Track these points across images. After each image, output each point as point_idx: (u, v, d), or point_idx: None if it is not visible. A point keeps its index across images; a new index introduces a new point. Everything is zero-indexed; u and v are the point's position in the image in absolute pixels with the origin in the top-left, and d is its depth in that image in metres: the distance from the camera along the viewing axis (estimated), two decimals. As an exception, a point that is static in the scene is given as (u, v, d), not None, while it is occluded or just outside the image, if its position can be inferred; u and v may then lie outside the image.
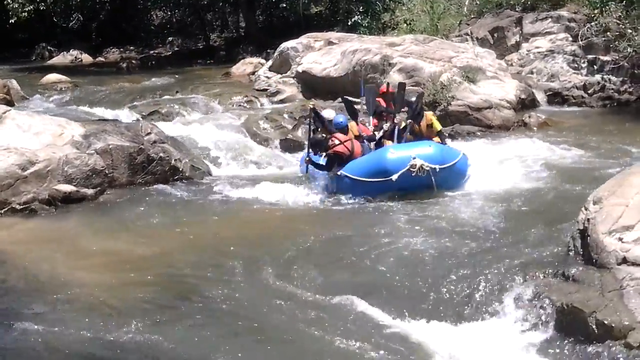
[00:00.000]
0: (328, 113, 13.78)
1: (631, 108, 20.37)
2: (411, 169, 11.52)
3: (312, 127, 13.45)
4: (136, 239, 10.69)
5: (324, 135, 12.66)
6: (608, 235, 7.96)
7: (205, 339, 7.27)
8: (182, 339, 7.23)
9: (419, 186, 11.66)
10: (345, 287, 8.57)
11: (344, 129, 12.94)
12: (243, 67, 25.88)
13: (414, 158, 11.58)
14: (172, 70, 26.00)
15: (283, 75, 22.15)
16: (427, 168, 11.51)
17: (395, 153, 11.95)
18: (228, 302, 8.19)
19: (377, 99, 14.54)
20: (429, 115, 13.41)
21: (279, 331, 7.56)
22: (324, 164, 12.68)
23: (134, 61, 34.12)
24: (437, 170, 11.60)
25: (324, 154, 12.71)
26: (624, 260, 7.75)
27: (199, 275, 9.14)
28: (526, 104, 20.16)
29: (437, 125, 13.28)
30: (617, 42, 21.30)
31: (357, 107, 15.06)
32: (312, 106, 13.96)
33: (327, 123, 13.04)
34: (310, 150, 12.98)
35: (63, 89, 23.95)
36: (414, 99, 14.54)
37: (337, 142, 12.36)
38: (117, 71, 30.78)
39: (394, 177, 11.57)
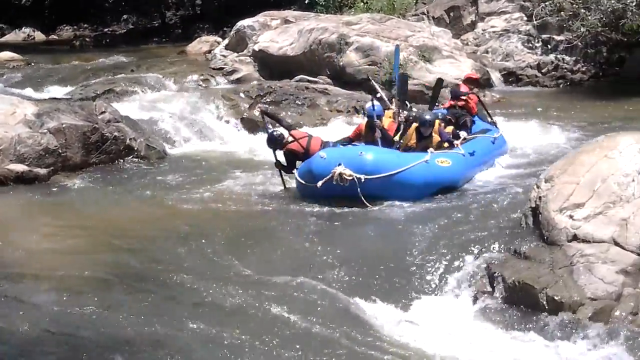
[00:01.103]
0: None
1: (584, 87, 20.69)
2: (334, 177, 10.38)
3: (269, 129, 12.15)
4: (89, 218, 10.57)
5: (280, 132, 11.75)
6: (559, 212, 8.11)
7: (157, 315, 7.19)
8: (134, 316, 7.17)
9: (347, 196, 10.41)
10: (302, 267, 8.58)
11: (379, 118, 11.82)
12: (199, 45, 25.71)
13: (339, 165, 10.38)
14: (126, 49, 25.75)
15: (239, 54, 22.06)
16: (349, 177, 10.29)
17: (325, 158, 10.72)
18: (181, 279, 8.14)
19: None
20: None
21: (231, 306, 7.51)
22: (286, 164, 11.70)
23: (87, 39, 33.71)
24: (362, 180, 10.28)
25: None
26: (574, 238, 7.92)
27: (152, 254, 9.06)
28: (481, 83, 20.30)
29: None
30: (570, 22, 21.59)
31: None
32: (260, 109, 13.30)
33: (284, 121, 12.50)
34: (269, 147, 11.73)
35: (15, 67, 23.62)
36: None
37: (290, 139, 11.51)
38: (70, 49, 30.37)
39: (319, 184, 10.48)
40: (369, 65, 19.55)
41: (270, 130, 11.74)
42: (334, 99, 17.87)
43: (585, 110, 17.49)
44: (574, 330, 7.07)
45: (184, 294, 7.84)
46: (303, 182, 10.94)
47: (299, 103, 17.65)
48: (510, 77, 21.70)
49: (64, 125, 13.21)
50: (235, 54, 22.11)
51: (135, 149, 13.98)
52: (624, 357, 6.73)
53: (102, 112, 14.00)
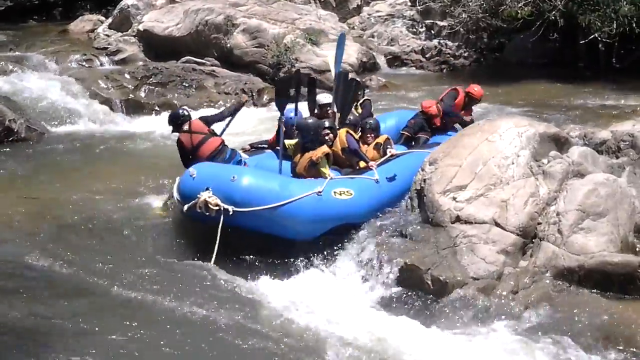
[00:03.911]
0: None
1: (466, 72, 21.23)
2: (197, 204, 8.44)
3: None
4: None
5: (186, 112, 9.90)
6: (442, 195, 8.32)
7: (41, 309, 7.03)
8: (18, 309, 6.97)
9: (214, 225, 8.38)
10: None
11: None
12: (82, 24, 24.90)
13: (206, 189, 8.44)
14: (4, 27, 24.65)
15: (124, 33, 21.56)
16: (215, 207, 8.33)
17: (194, 177, 8.75)
18: (65, 265, 7.96)
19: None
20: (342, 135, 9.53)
21: (121, 290, 7.43)
22: None
23: (-39, 15, 32.13)
24: (231, 212, 8.28)
25: None
26: (458, 219, 8.16)
27: (34, 240, 8.82)
28: (367, 67, 20.59)
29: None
30: (452, 8, 22.09)
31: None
32: (244, 100, 10.96)
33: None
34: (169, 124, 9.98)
35: None
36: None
37: (186, 128, 9.67)
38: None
39: (184, 207, 8.59)
40: (257, 47, 19.47)
41: (181, 109, 10.25)
42: (222, 81, 17.77)
43: (467, 94, 17.93)
44: (458, 309, 7.30)
45: (63, 280, 7.65)
46: (175, 197, 9.08)
47: (186, 85, 17.47)
48: (395, 61, 22.04)
49: (-62, 106, 12.67)
50: (120, 34, 21.61)
51: (15, 130, 13.54)
52: (505, 334, 7.01)
53: (-21, 92, 13.49)
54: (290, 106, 10.09)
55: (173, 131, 9.87)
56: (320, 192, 8.42)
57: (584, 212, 8.06)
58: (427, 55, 22.15)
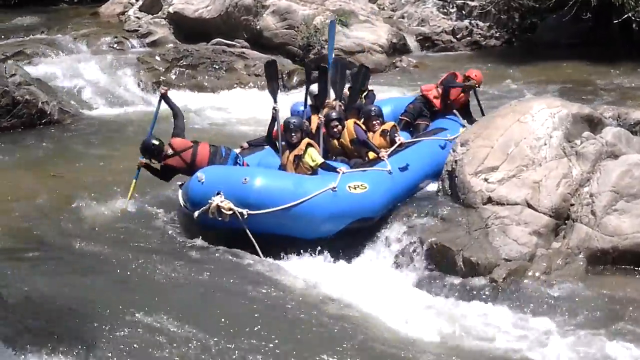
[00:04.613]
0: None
1: (497, 52, 21.03)
2: (210, 210, 8.04)
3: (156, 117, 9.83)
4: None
5: (157, 142, 9.02)
6: (474, 176, 8.30)
7: (63, 283, 7.10)
8: (42, 279, 7.06)
9: (231, 231, 8.06)
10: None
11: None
12: (112, 6, 24.94)
13: (217, 194, 8.06)
14: (36, 9, 24.78)
15: (154, 16, 21.59)
16: (229, 212, 7.95)
17: (203, 182, 8.33)
18: (92, 246, 8.07)
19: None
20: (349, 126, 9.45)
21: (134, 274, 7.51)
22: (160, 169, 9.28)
23: (-7, -2, 32.36)
24: (246, 216, 7.91)
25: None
26: (489, 200, 8.14)
27: (61, 220, 8.96)
28: (397, 48, 20.46)
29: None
30: (484, -13, 21.88)
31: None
32: (162, 91, 9.90)
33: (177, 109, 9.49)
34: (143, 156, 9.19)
35: None
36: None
37: (170, 152, 8.99)
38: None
39: (195, 214, 8.17)
40: (286, 29, 19.44)
41: (147, 137, 9.23)
42: (252, 63, 17.74)
43: (499, 75, 17.79)
44: (489, 291, 7.28)
45: (92, 260, 7.76)
46: (182, 205, 8.67)
47: (216, 67, 17.48)
48: (426, 42, 21.85)
49: (-28, 89, 12.82)
50: (150, 16, 21.63)
51: (48, 112, 13.67)
52: (536, 316, 6.97)
53: (13, 75, 13.62)
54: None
55: (151, 161, 9.13)
56: (334, 187, 8.08)
57: (617, 194, 7.99)
58: (457, 36, 21.96)
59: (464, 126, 10.47)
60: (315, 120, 9.52)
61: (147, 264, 7.57)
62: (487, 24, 22.18)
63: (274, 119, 9.11)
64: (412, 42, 21.53)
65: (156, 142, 8.99)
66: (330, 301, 7.25)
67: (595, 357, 6.34)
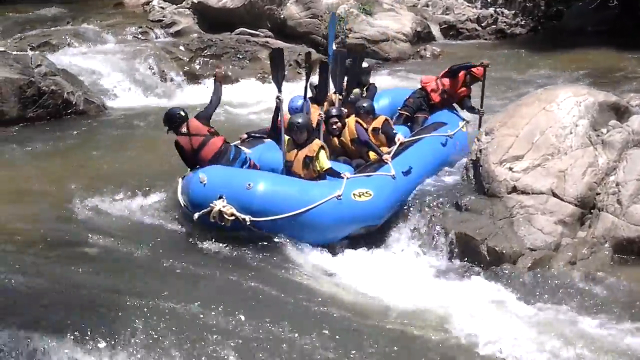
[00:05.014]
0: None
1: (522, 40, 20.90)
2: (211, 214, 7.88)
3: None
4: (24, 174, 10.45)
5: (183, 113, 8.88)
6: (499, 165, 8.25)
7: (79, 273, 7.13)
8: (58, 271, 7.10)
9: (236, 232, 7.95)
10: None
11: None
12: (136, -3, 25.11)
13: (220, 198, 7.91)
14: (61, 0, 24.99)
15: (178, 5, 21.67)
16: (231, 217, 7.81)
17: (205, 183, 8.14)
18: (115, 237, 8.10)
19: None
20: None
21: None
22: None
23: (20, -11, 32.57)
24: (248, 222, 7.77)
25: None
26: (514, 189, 8.08)
27: (86, 211, 8.97)
28: (422, 36, 20.41)
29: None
30: (509, -25, 21.74)
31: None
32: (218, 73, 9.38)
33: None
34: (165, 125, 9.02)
35: (-54, 18, 22.78)
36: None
37: (184, 130, 8.74)
38: (2, 0, 29.36)
39: (195, 216, 7.99)
40: (310, 18, 19.44)
41: (177, 109, 9.04)
42: (276, 53, 17.72)
43: (524, 63, 17.70)
44: (514, 280, 7.24)
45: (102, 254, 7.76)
46: (181, 202, 8.52)
47: (240, 57, 17.53)
48: (451, 30, 21.79)
49: (-1, 79, 12.91)
50: (174, 6, 21.71)
51: (74, 103, 13.74)
52: (563, 305, 6.93)
53: (39, 65, 13.70)
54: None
55: (168, 131, 8.94)
56: (339, 196, 7.89)
57: (644, 183, 7.91)
58: (482, 24, 21.85)
59: (463, 119, 10.47)
60: (315, 114, 9.26)
61: (170, 257, 7.55)
62: (513, 11, 22.06)
63: (278, 108, 8.95)
64: (436, 31, 21.49)
65: (182, 113, 8.84)
66: (351, 291, 7.24)
67: (620, 347, 6.28)
